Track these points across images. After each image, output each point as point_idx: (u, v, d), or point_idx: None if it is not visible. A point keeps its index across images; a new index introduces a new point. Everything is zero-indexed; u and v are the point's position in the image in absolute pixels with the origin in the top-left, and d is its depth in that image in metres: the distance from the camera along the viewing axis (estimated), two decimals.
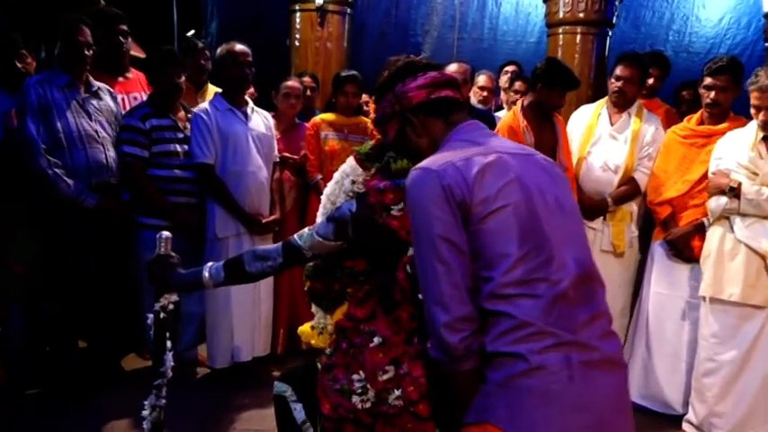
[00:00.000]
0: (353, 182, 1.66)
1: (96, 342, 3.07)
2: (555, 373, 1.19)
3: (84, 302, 2.96)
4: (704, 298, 2.84)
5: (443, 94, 1.44)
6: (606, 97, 3.39)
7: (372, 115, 1.59)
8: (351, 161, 1.69)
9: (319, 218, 1.68)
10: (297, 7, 4.62)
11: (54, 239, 2.91)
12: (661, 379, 3.09)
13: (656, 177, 3.17)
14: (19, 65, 3.19)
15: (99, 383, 3.08)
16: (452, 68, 3.49)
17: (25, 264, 2.92)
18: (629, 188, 3.28)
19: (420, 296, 1.30)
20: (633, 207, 3.34)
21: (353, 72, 3.72)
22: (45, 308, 3.06)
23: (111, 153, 3.00)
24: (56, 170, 2.79)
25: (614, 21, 4.56)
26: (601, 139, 3.34)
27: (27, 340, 3.06)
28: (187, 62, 3.38)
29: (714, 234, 2.84)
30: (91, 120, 2.94)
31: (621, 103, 3.29)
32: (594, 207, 3.29)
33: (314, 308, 1.77)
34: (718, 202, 2.79)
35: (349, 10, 4.73)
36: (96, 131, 2.95)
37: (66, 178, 2.81)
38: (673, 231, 3.05)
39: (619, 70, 3.25)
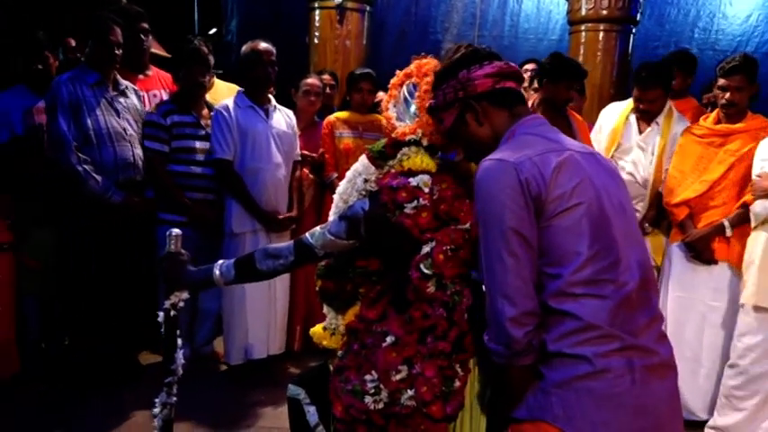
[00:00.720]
0: (366, 180, 1.63)
1: (110, 338, 3.09)
2: (619, 376, 1.20)
3: (87, 299, 2.99)
4: (742, 305, 2.74)
5: (508, 84, 1.43)
6: (631, 99, 3.29)
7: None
8: (363, 159, 1.66)
9: (331, 216, 1.66)
10: (316, 5, 4.62)
11: (63, 237, 2.95)
12: (682, 383, 3.00)
13: (673, 178, 3.08)
14: (40, 66, 3.22)
15: (116, 379, 3.11)
16: None
17: (39, 259, 2.96)
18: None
19: (483, 287, 1.31)
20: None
21: (368, 70, 3.71)
22: (56, 304, 3.10)
23: (138, 150, 3.05)
24: (85, 167, 2.84)
25: (638, 18, 4.48)
26: (627, 148, 3.25)
27: (40, 334, 3.10)
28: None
29: (758, 239, 2.72)
30: (119, 117, 2.99)
31: (649, 118, 3.21)
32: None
33: (325, 308, 1.76)
34: (764, 206, 2.69)
35: (368, 8, 4.72)
36: (124, 129, 2.99)
37: (94, 175, 2.86)
38: (692, 233, 2.96)
39: (638, 92, 3.14)
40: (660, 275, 3.17)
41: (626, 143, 3.26)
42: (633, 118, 3.27)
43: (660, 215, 3.21)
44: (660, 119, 3.21)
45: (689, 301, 3.02)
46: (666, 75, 3.20)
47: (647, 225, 3.20)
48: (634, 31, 4.49)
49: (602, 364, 1.20)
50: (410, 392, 1.48)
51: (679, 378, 3.02)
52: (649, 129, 3.22)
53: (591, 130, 3.42)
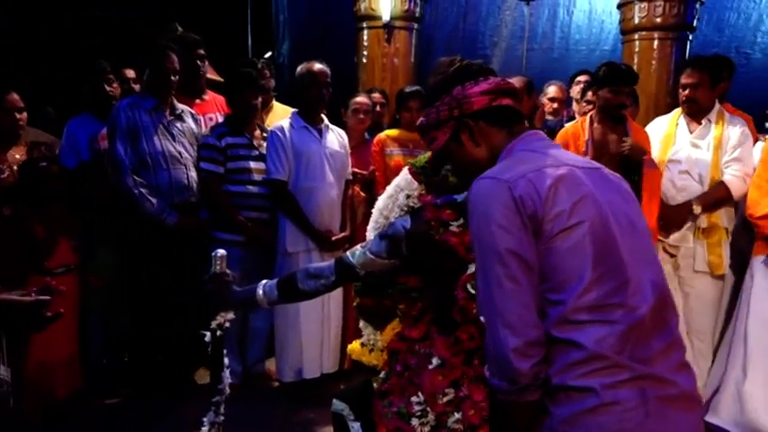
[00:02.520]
0: (408, 196, 1.62)
1: (170, 356, 3.18)
2: (630, 409, 1.10)
3: (150, 317, 3.09)
4: None
5: (505, 102, 1.36)
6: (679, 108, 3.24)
7: (421, 118, 1.45)
8: (405, 174, 1.64)
9: (370, 232, 1.65)
10: (364, 25, 4.69)
11: (128, 257, 3.06)
12: (760, 407, 2.82)
13: (757, 188, 2.92)
14: (108, 88, 3.40)
15: (172, 396, 3.19)
16: (512, 82, 3.40)
17: (103, 279, 3.09)
18: (718, 191, 3.06)
19: (482, 318, 1.21)
20: (726, 222, 3.11)
21: (417, 87, 3.71)
22: (125, 321, 3.22)
23: (192, 173, 3.14)
24: (141, 189, 2.95)
25: (695, 24, 4.33)
26: (681, 148, 3.17)
27: (104, 351, 3.22)
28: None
29: None
30: (174, 141, 3.09)
31: (695, 112, 3.13)
32: (677, 211, 3.10)
33: (362, 324, 1.74)
34: None
35: (416, 25, 4.75)
36: (179, 153, 3.09)
37: (150, 197, 2.96)
38: None
39: (683, 78, 3.12)
40: (741, 290, 3.01)
41: (678, 145, 3.18)
42: (683, 120, 3.21)
43: (719, 201, 3.07)
44: (712, 116, 3.13)
45: None
46: (713, 64, 3.11)
47: (695, 205, 3.05)
48: (691, 37, 4.34)
49: (611, 397, 1.10)
50: (457, 416, 1.45)
51: (756, 400, 2.82)
52: (701, 126, 3.14)
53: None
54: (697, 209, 3.07)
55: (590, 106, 3.90)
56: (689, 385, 1.18)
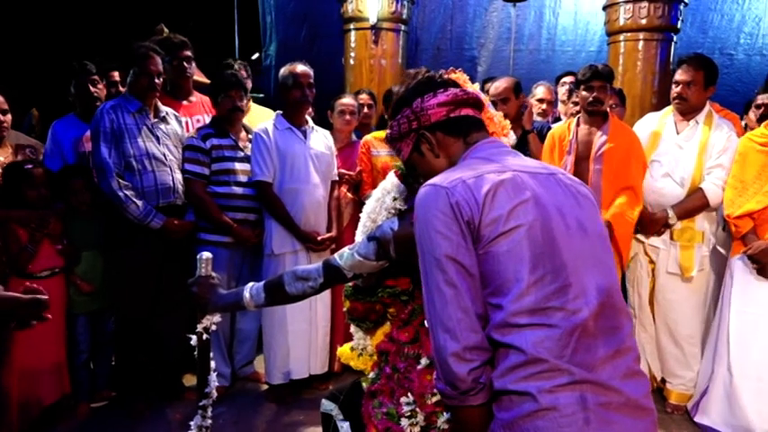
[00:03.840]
0: (395, 198, 1.62)
1: (157, 358, 3.16)
2: (567, 415, 1.08)
3: (137, 320, 3.07)
4: None
5: (464, 112, 1.37)
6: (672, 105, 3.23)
7: (387, 131, 1.47)
8: (392, 177, 1.65)
9: (359, 236, 1.65)
10: (351, 26, 4.69)
11: (114, 259, 3.03)
12: (747, 405, 2.84)
13: (733, 188, 2.95)
14: (93, 90, 3.38)
15: (160, 399, 3.17)
16: (491, 91, 3.42)
17: (90, 282, 3.06)
18: (695, 200, 3.07)
19: (425, 323, 1.21)
20: (705, 226, 3.12)
21: None
22: (111, 324, 3.20)
23: (178, 175, 3.12)
24: (126, 192, 2.92)
25: (679, 26, 4.37)
26: (666, 149, 3.17)
27: (91, 355, 3.19)
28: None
29: None
30: (159, 144, 3.07)
31: (685, 110, 3.12)
32: (653, 221, 3.13)
33: (353, 328, 1.74)
34: None
35: (403, 27, 4.76)
36: (164, 155, 3.07)
37: (135, 200, 2.93)
38: (755, 245, 2.83)
39: (678, 74, 3.11)
40: (721, 290, 3.05)
41: (663, 145, 3.18)
42: (671, 118, 3.21)
43: (694, 209, 3.08)
44: (699, 117, 3.12)
45: (754, 318, 2.87)
46: (709, 64, 3.09)
47: (671, 214, 3.08)
48: (675, 39, 4.38)
49: (548, 401, 1.08)
50: (446, 416, 1.45)
51: (743, 398, 2.83)
52: (688, 127, 3.14)
53: None
54: (672, 219, 3.10)
55: (576, 107, 3.94)
56: (636, 393, 1.15)
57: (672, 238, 3.14)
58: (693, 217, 3.12)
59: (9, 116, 2.97)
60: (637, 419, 1.13)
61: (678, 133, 3.17)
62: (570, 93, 4.37)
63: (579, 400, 1.09)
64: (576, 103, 4.00)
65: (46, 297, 1.42)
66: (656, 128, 3.25)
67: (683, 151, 3.13)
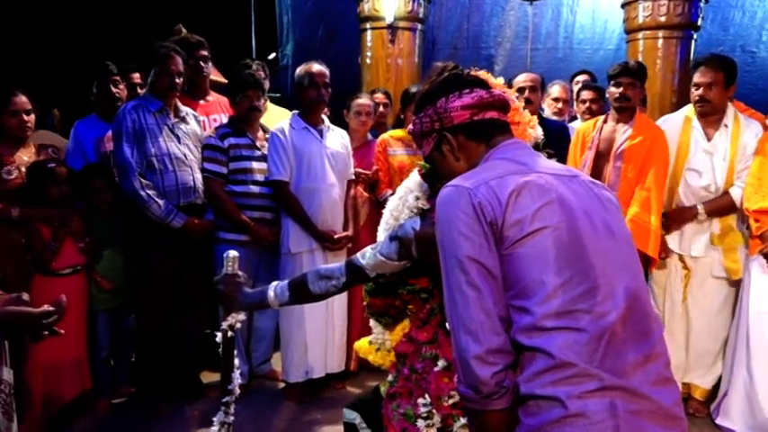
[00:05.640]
0: (417, 197, 1.61)
1: (177, 356, 3.19)
2: (597, 422, 1.05)
3: (157, 317, 3.09)
4: None
5: (488, 116, 1.34)
6: (692, 104, 3.16)
7: (410, 126, 1.44)
8: (415, 176, 1.64)
9: (380, 234, 1.65)
10: (368, 26, 4.69)
11: (141, 258, 3.06)
12: (765, 407, 2.80)
13: (749, 185, 2.92)
14: (114, 90, 3.42)
15: (179, 396, 3.20)
16: (520, 78, 3.44)
17: (111, 279, 3.10)
18: (724, 200, 3.03)
19: (447, 325, 1.19)
20: (744, 229, 3.08)
21: None
22: (131, 321, 3.23)
23: (198, 175, 3.15)
24: (148, 191, 2.95)
25: (699, 23, 4.32)
26: (697, 157, 3.10)
27: (112, 352, 3.23)
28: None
29: None
30: (180, 143, 3.10)
31: (709, 112, 3.05)
32: (681, 213, 3.10)
33: (372, 322, 1.74)
34: None
35: (420, 26, 4.75)
36: (185, 155, 3.10)
37: (157, 199, 2.96)
38: None
39: (697, 76, 3.04)
40: (740, 289, 3.01)
41: (695, 152, 3.11)
42: (698, 125, 3.12)
43: (723, 208, 3.06)
44: (727, 120, 3.06)
45: None
46: (728, 63, 3.03)
47: (701, 209, 3.04)
48: (695, 36, 4.33)
49: (577, 407, 1.05)
50: (463, 420, 1.45)
51: (763, 400, 2.78)
52: (717, 133, 3.06)
53: None
54: (702, 215, 3.05)
55: (585, 105, 3.90)
56: (668, 401, 1.11)
57: (712, 243, 3.10)
58: (732, 216, 3.07)
59: (33, 116, 3.01)
60: (667, 428, 1.10)
61: (709, 140, 3.08)
62: (579, 92, 4.33)
63: (609, 406, 1.06)
64: (584, 102, 3.97)
65: (60, 315, 1.36)
66: (683, 135, 3.15)
67: (716, 157, 3.06)
